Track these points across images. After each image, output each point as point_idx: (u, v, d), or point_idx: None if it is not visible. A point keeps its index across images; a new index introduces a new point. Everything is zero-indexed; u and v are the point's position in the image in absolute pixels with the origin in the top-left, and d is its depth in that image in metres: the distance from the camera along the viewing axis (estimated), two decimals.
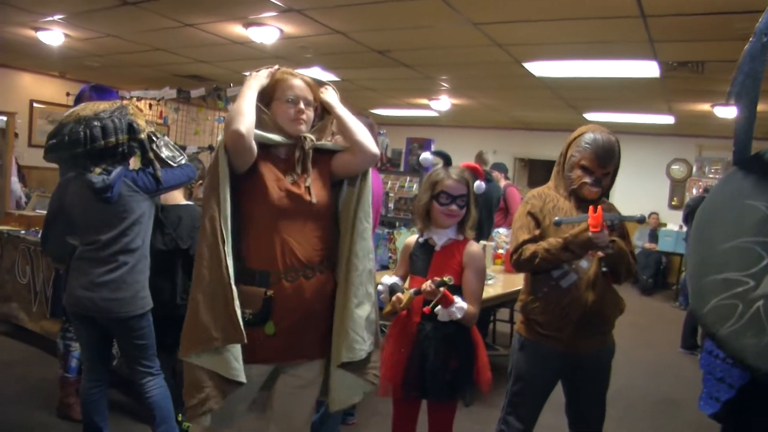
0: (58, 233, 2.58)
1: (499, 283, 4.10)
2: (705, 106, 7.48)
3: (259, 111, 1.87)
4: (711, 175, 9.74)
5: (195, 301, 1.79)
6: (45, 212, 2.77)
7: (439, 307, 2.09)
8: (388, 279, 2.30)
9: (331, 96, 2.01)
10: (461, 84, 7.82)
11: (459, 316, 2.10)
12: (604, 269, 2.20)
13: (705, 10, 4.06)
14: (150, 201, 2.55)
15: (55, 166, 2.71)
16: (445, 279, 2.05)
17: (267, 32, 5.56)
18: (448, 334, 2.16)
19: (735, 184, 1.84)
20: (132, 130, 2.44)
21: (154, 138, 2.56)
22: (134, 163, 2.63)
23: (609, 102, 7.87)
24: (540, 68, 6.30)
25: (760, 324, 1.61)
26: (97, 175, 2.35)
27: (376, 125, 3.13)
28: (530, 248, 2.21)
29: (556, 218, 2.16)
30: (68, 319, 3.13)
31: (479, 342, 2.27)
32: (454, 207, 2.22)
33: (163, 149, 2.58)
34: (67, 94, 8.45)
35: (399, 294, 2.20)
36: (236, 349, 1.78)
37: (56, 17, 5.76)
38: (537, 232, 2.25)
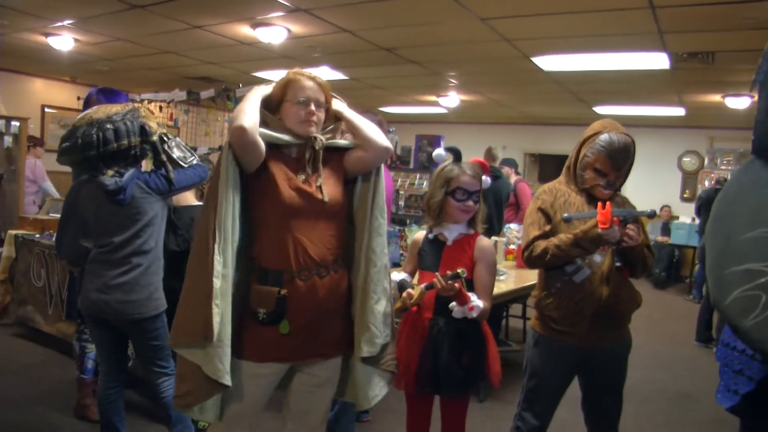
0: (72, 236, 2.60)
1: (511, 278, 4.08)
2: (716, 97, 7.41)
3: (268, 116, 1.88)
4: (723, 167, 9.66)
5: (183, 292, 1.83)
6: (59, 216, 2.79)
7: (453, 303, 2.09)
8: (397, 275, 2.30)
9: (338, 104, 2.01)
10: (470, 80, 7.80)
11: (475, 315, 2.10)
12: (618, 264, 2.17)
13: (714, 0, 4.02)
14: (163, 202, 2.56)
15: (68, 169, 2.73)
16: (459, 271, 2.03)
17: (275, 32, 5.57)
18: (460, 329, 2.16)
19: (753, 173, 1.77)
20: (144, 132, 2.45)
21: (165, 138, 2.57)
22: (146, 165, 2.64)
23: (619, 95, 7.82)
24: (548, 62, 6.27)
25: None
26: (109, 178, 2.37)
27: (385, 122, 3.13)
28: (541, 245, 2.20)
29: (565, 215, 2.15)
30: (83, 321, 3.16)
31: (489, 336, 2.27)
32: (470, 203, 2.22)
33: (175, 150, 2.59)
34: (78, 99, 8.51)
35: (409, 290, 2.20)
36: (223, 349, 1.77)
37: (66, 22, 5.81)
38: (547, 228, 2.24)
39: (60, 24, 5.87)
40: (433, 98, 9.30)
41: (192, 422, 2.66)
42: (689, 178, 10.17)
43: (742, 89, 6.92)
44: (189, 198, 3.00)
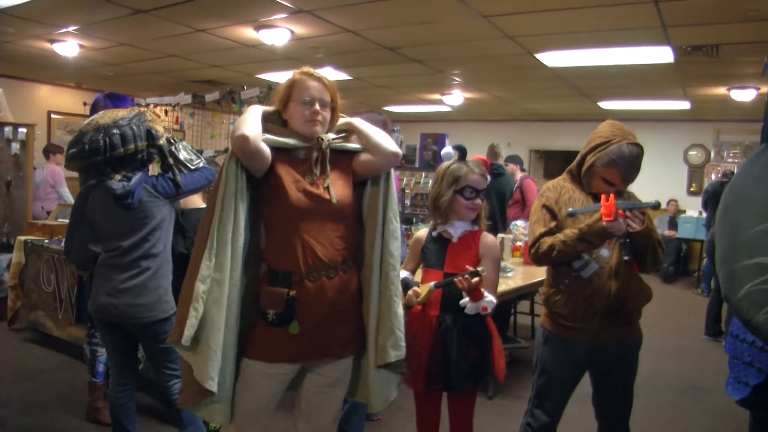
0: (80, 241, 2.61)
1: (519, 275, 4.08)
2: (721, 90, 7.37)
3: (272, 126, 1.91)
4: (729, 160, 9.63)
5: (182, 290, 1.86)
6: (67, 221, 2.81)
7: (467, 299, 2.10)
8: (400, 274, 2.31)
9: (346, 119, 2.04)
10: (473, 78, 7.79)
11: (489, 310, 2.11)
12: (626, 257, 2.15)
13: None
14: (170, 206, 2.58)
15: (76, 175, 2.75)
16: (479, 269, 2.05)
17: (278, 34, 5.59)
18: (467, 325, 2.17)
19: (762, 164, 1.74)
20: (151, 136, 2.47)
21: (172, 141, 2.59)
22: (153, 169, 2.66)
23: (623, 90, 7.80)
24: (552, 58, 6.26)
25: None
26: (117, 182, 2.38)
27: (389, 121, 3.13)
28: (547, 241, 2.20)
29: (569, 209, 2.15)
30: (94, 325, 3.18)
31: (494, 331, 2.28)
32: (478, 201, 2.24)
33: (182, 152, 2.61)
34: (84, 104, 8.53)
35: (416, 288, 2.21)
36: (210, 354, 1.77)
37: (70, 28, 5.84)
38: (553, 224, 2.24)
39: (65, 30, 5.90)
40: (437, 96, 9.30)
41: (204, 424, 2.67)
42: (695, 172, 10.13)
43: (747, 81, 6.88)
44: (197, 201, 3.02)
